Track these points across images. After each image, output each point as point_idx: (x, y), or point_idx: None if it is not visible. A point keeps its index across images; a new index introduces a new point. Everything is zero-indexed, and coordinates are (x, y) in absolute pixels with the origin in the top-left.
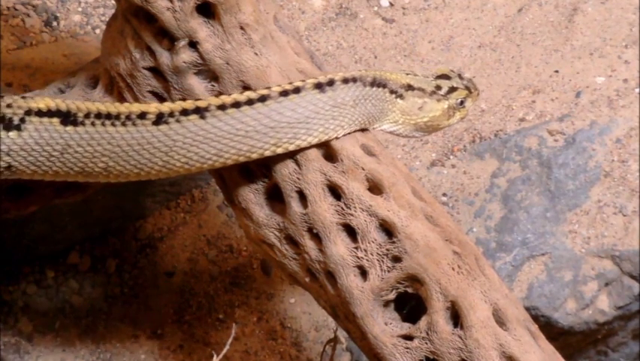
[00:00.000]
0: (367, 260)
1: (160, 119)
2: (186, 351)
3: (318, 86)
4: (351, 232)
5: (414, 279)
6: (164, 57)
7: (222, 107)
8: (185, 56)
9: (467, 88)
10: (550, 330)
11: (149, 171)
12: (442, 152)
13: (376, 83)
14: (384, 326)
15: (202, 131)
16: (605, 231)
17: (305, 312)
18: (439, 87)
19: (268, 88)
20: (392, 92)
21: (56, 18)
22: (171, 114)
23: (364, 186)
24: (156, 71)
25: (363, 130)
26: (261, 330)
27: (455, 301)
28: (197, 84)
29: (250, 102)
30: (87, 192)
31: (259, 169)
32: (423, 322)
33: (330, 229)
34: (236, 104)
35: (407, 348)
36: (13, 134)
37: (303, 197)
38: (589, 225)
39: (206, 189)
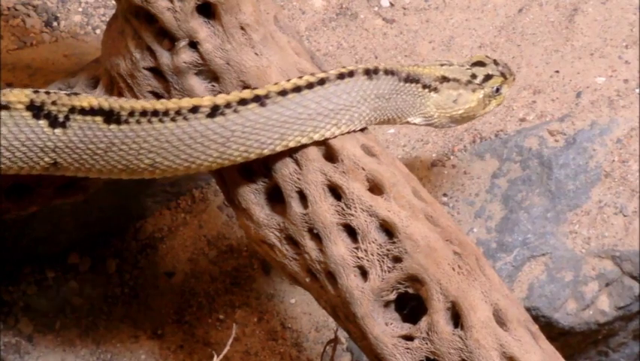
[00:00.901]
0: (368, 260)
1: (215, 111)
2: (186, 351)
3: (367, 73)
4: (351, 232)
5: (414, 279)
6: (164, 57)
7: (283, 93)
8: (186, 56)
9: (502, 74)
10: (551, 330)
11: (202, 164)
12: (442, 152)
13: (409, 79)
14: (384, 327)
15: (263, 119)
16: (606, 231)
17: (305, 312)
18: (474, 76)
19: (325, 71)
20: (425, 86)
21: (56, 18)
22: (228, 105)
23: (365, 186)
24: (156, 72)
25: (363, 130)
26: (262, 330)
27: (456, 301)
28: (198, 84)
29: (310, 86)
30: (87, 192)
31: (259, 169)
32: (423, 322)
33: (330, 229)
34: (297, 89)
35: (407, 348)
36: (58, 131)
37: (303, 197)
38: (589, 225)
39: (206, 190)
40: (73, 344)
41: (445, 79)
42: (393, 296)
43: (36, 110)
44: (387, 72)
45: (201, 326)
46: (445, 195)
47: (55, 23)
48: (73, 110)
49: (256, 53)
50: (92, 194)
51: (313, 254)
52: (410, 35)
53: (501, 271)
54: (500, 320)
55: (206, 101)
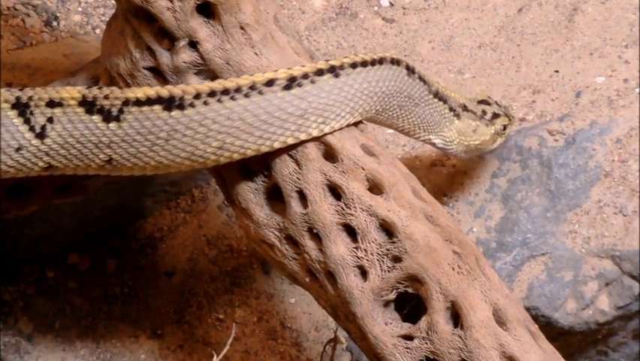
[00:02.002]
0: (367, 260)
1: (292, 82)
2: (186, 351)
3: (407, 68)
4: (351, 232)
5: (414, 279)
6: (164, 57)
7: (354, 66)
8: (185, 56)
9: (507, 115)
10: (551, 330)
11: (277, 139)
12: (442, 152)
13: (439, 96)
14: (384, 326)
15: (336, 90)
16: (606, 231)
17: (305, 312)
18: (484, 112)
19: (383, 52)
20: (451, 109)
21: (56, 18)
22: (305, 76)
23: (364, 186)
24: (156, 71)
25: (362, 129)
26: (261, 330)
27: (455, 301)
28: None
29: (373, 63)
30: (87, 191)
31: (259, 169)
32: (423, 322)
33: (330, 228)
34: (364, 64)
35: (407, 348)
36: (113, 125)
37: (303, 197)
38: (589, 225)
39: (206, 189)
40: (73, 344)
41: (465, 108)
42: (392, 296)
43: (89, 105)
44: (421, 78)
45: (201, 326)
46: (445, 195)
47: (54, 23)
48: (127, 102)
49: (256, 53)
50: (91, 194)
51: (313, 254)
52: (410, 35)
53: (501, 270)
54: (500, 320)
55: (282, 73)
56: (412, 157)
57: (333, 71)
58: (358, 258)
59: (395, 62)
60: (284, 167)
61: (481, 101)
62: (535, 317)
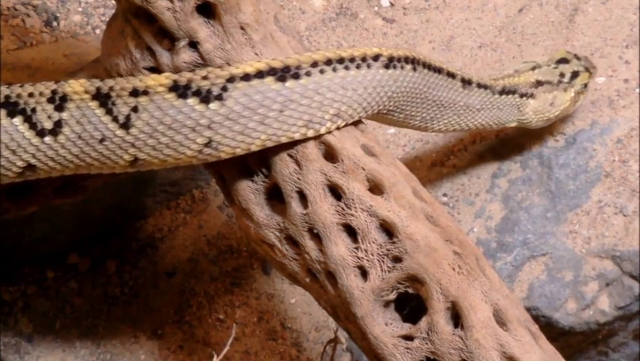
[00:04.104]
0: (368, 260)
1: (390, 62)
2: (186, 351)
3: (462, 81)
4: (351, 232)
5: (414, 279)
6: (164, 57)
7: (424, 65)
8: (186, 56)
9: (587, 69)
10: (551, 330)
11: (374, 111)
12: (442, 152)
13: (505, 91)
14: (384, 327)
15: (412, 82)
16: (606, 231)
17: (305, 312)
18: (562, 74)
19: (441, 62)
20: (522, 95)
21: (56, 18)
22: (399, 59)
23: (365, 186)
24: (157, 71)
25: (362, 130)
26: (262, 330)
27: (456, 301)
28: None
29: (439, 71)
30: (87, 191)
31: (260, 169)
32: (423, 322)
33: (330, 229)
34: (430, 67)
35: (407, 348)
36: (214, 105)
37: (303, 197)
38: (589, 225)
39: (206, 190)
40: (73, 345)
41: (539, 83)
42: (393, 296)
43: (182, 89)
44: (480, 85)
45: (201, 326)
46: (445, 195)
47: (55, 23)
48: (232, 79)
49: (256, 53)
50: (91, 194)
51: (313, 254)
52: (410, 35)
53: (501, 271)
54: (500, 320)
55: (385, 50)
56: (412, 157)
57: (413, 62)
58: (358, 258)
59: (451, 75)
60: (284, 167)
61: (560, 60)
62: (536, 317)
